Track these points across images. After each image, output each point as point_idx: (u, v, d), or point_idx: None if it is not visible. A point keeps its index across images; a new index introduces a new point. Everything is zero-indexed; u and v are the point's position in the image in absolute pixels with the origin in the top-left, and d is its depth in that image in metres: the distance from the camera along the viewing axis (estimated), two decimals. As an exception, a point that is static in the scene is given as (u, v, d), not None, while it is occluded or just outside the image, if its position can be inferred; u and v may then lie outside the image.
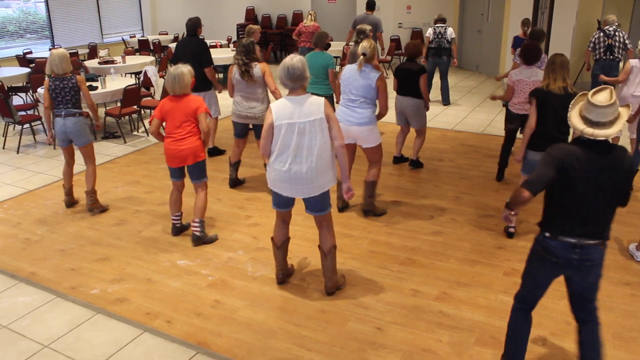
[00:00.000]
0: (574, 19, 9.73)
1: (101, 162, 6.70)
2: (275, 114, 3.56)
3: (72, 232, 5.03)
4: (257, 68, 5.46)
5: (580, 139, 2.72)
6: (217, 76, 7.15)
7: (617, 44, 7.72)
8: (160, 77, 9.18)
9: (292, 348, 3.40)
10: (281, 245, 3.99)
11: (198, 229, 4.68)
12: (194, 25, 6.74)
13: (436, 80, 9.81)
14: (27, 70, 9.77)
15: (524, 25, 8.54)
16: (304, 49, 9.40)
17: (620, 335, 3.47)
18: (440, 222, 5.07)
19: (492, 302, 3.84)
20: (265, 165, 5.74)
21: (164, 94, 8.17)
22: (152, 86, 9.04)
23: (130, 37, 14.92)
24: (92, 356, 3.38)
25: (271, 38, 14.55)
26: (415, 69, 5.93)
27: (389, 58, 12.29)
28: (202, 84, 6.49)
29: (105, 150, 7.38)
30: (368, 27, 6.87)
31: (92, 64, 9.81)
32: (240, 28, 14.71)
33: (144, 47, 13.55)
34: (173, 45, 12.75)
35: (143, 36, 14.97)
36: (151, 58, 10.56)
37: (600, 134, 2.62)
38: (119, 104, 7.87)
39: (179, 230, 4.91)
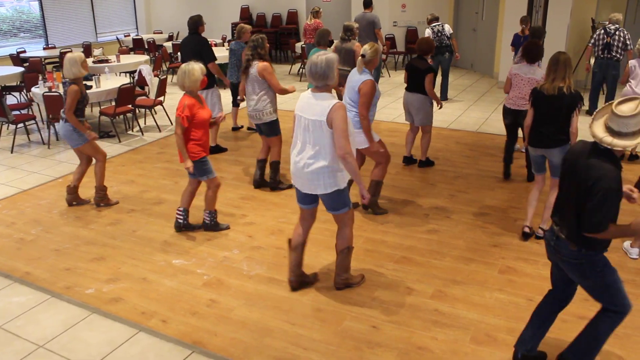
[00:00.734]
0: (568, 17, 9.77)
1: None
2: (297, 103, 3.64)
3: (67, 231, 5.01)
4: (255, 67, 5.42)
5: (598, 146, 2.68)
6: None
7: (616, 42, 7.71)
8: (154, 76, 9.15)
9: (288, 347, 3.40)
10: (295, 248, 3.91)
11: (208, 218, 4.90)
12: (195, 24, 6.73)
13: (437, 78, 9.79)
14: (20, 69, 9.73)
15: (522, 22, 8.54)
16: (309, 46, 9.40)
17: (615, 332, 3.46)
18: (436, 221, 5.08)
19: (487, 300, 3.85)
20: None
21: (159, 92, 8.17)
22: (147, 85, 9.01)
23: (125, 36, 14.86)
24: (88, 356, 3.37)
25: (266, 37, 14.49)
26: (422, 68, 5.93)
27: (384, 57, 12.29)
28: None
29: (99, 149, 7.36)
30: (355, 25, 6.87)
31: (86, 63, 9.77)
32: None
33: (138, 46, 13.52)
34: (168, 45, 12.76)
35: (137, 35, 14.91)
36: (146, 57, 10.53)
37: (620, 144, 2.58)
38: (113, 103, 7.84)
39: (178, 226, 4.92)
